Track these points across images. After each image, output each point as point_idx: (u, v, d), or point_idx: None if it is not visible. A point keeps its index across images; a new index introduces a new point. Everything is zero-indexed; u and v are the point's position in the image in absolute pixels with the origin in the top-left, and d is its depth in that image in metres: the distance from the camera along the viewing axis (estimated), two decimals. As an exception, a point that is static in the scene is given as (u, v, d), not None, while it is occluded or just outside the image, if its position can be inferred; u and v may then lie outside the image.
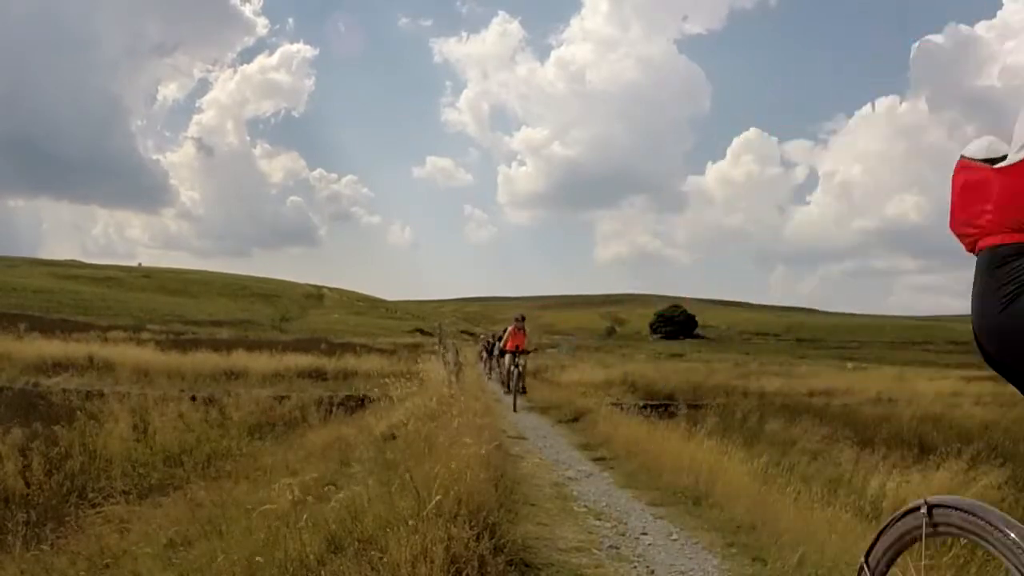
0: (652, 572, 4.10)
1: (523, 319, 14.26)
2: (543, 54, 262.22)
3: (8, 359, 18.59)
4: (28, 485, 8.12)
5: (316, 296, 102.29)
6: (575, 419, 11.06)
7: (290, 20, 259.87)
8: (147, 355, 21.01)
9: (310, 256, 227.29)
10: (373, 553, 3.34)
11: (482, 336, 27.68)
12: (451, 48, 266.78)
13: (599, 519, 5.20)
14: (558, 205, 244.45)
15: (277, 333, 49.02)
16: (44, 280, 76.53)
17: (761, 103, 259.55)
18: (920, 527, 1.51)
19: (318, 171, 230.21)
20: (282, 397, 15.18)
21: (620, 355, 47.31)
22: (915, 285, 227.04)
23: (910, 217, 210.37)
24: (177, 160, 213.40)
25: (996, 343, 1.36)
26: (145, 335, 31.14)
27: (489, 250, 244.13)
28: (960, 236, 1.49)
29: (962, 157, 1.51)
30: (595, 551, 4.38)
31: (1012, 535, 1.31)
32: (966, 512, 1.42)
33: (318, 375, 20.74)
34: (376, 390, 14.46)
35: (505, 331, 14.55)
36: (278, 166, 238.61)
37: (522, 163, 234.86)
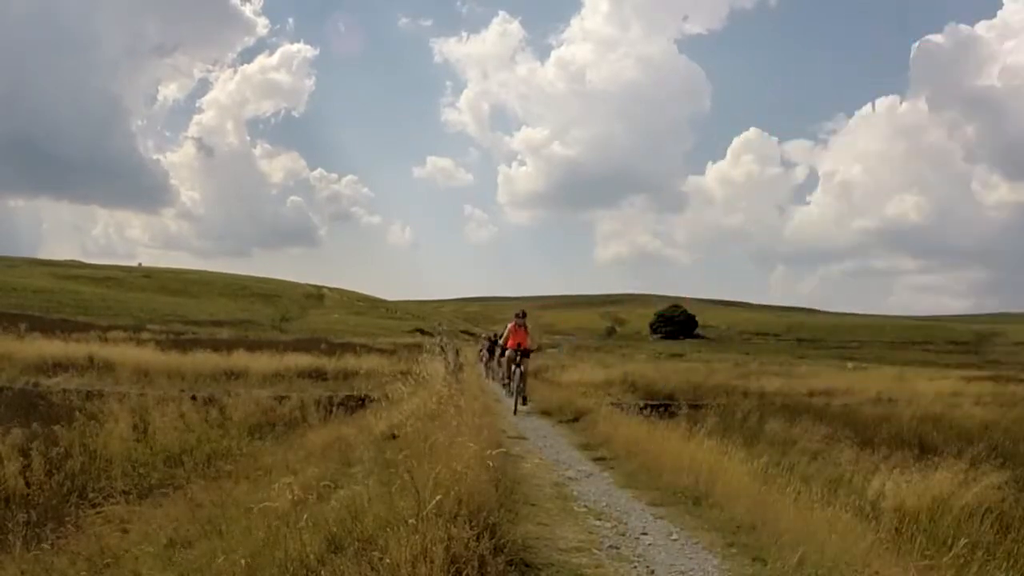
0: (652, 572, 4.10)
1: (524, 315, 13.17)
2: (543, 54, 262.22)
3: (8, 359, 18.60)
4: (28, 485, 8.12)
5: (316, 296, 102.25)
6: (575, 419, 11.05)
7: (290, 20, 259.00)
8: (147, 355, 21.00)
9: (310, 256, 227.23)
10: (373, 553, 3.34)
11: (483, 335, 27.40)
12: (451, 48, 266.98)
13: (599, 519, 5.20)
14: (558, 205, 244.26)
15: (277, 333, 49.02)
16: (44, 280, 76.50)
17: (761, 103, 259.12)
18: None
19: (318, 171, 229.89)
20: (282, 397, 15.18)
21: (620, 355, 47.33)
22: (915, 285, 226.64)
23: (910, 217, 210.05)
24: (177, 160, 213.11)
25: None
26: (145, 335, 31.13)
27: (489, 250, 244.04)
28: None
29: None
30: (595, 551, 4.38)
31: None
32: None
33: (318, 375, 20.74)
34: (376, 390, 14.48)
35: (506, 329, 13.37)
36: (278, 166, 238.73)
37: (522, 163, 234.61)
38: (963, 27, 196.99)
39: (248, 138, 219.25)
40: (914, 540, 4.91)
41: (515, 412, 11.82)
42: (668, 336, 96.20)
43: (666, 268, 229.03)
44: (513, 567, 3.70)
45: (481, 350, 25.41)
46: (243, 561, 3.54)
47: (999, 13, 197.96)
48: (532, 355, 13.51)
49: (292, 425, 12.56)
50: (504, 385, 14.66)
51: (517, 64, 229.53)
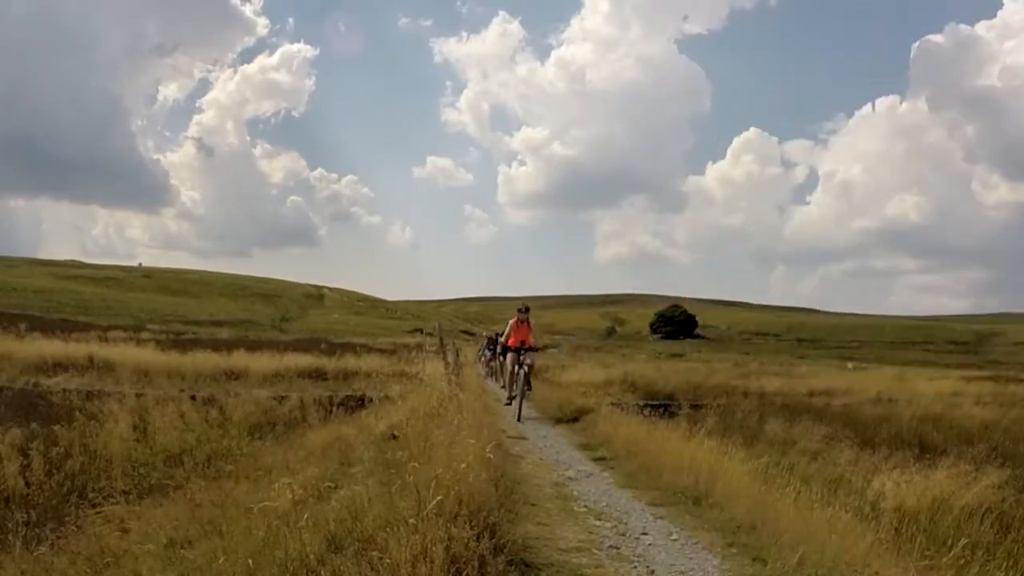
0: (652, 572, 4.10)
1: (527, 310, 11.95)
2: (543, 54, 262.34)
3: (8, 359, 18.59)
4: (28, 485, 8.12)
5: (316, 296, 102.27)
6: (575, 419, 11.04)
7: (290, 20, 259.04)
8: (147, 355, 20.99)
9: (310, 256, 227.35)
10: (373, 553, 3.34)
11: (485, 334, 27.06)
12: (451, 48, 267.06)
13: (599, 519, 5.20)
14: (558, 205, 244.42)
15: (277, 333, 49.04)
16: (44, 280, 76.51)
17: (761, 103, 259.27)
18: None
19: (318, 171, 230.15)
20: (282, 397, 15.17)
21: (620, 355, 47.34)
22: (915, 285, 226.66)
23: (910, 217, 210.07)
24: (177, 160, 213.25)
25: None
26: (145, 335, 31.13)
27: (489, 250, 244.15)
28: None
29: None
30: (595, 551, 4.38)
31: None
32: None
33: (318, 375, 20.73)
34: (376, 390, 14.46)
35: (507, 326, 12.10)
36: (278, 166, 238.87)
37: (522, 163, 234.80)
38: (963, 27, 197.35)
39: (248, 138, 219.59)
40: (914, 540, 4.91)
41: (519, 419, 10.77)
42: (668, 336, 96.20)
43: (666, 268, 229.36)
44: (513, 567, 3.70)
45: (481, 349, 25.26)
46: (243, 561, 3.54)
47: (999, 13, 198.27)
48: (538, 353, 12.11)
49: (292, 425, 12.55)
50: (504, 387, 13.62)
51: (517, 64, 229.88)
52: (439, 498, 3.62)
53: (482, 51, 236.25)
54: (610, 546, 4.50)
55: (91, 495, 6.84)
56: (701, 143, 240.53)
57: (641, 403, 15.63)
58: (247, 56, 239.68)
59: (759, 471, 6.27)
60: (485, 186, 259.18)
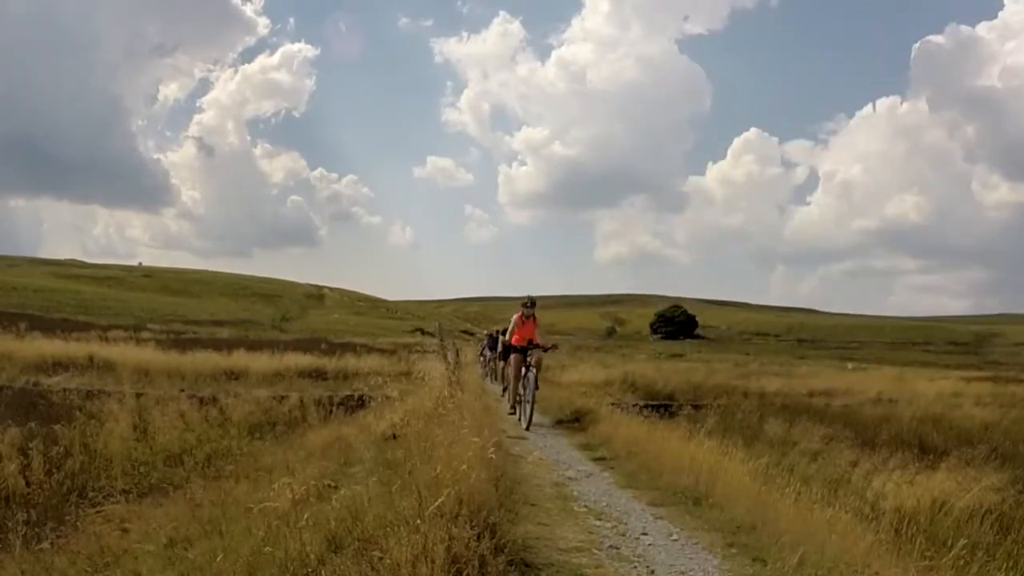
0: (652, 572, 4.10)
1: (534, 304, 10.50)
2: (543, 54, 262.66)
3: (8, 358, 18.61)
4: (28, 484, 8.12)
5: (316, 296, 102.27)
6: (575, 419, 11.03)
7: (291, 20, 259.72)
8: (147, 355, 21.01)
9: (310, 256, 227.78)
10: (373, 553, 3.34)
11: (486, 333, 26.71)
12: (452, 48, 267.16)
13: (599, 519, 5.20)
14: (558, 205, 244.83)
15: (277, 333, 48.99)
16: (44, 280, 76.52)
17: (761, 103, 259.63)
18: None
19: (318, 171, 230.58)
20: (282, 397, 15.17)
21: (620, 355, 47.34)
22: (915, 285, 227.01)
23: (910, 217, 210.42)
24: (178, 160, 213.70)
25: None
26: (145, 335, 31.15)
27: (489, 250, 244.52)
28: None
29: None
30: (595, 551, 4.38)
31: None
32: None
33: (318, 375, 20.74)
34: (376, 390, 14.46)
35: (511, 323, 10.65)
36: (278, 166, 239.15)
37: (522, 163, 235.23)
38: (964, 28, 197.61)
39: (248, 138, 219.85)
40: (914, 541, 4.91)
41: (527, 427, 9.72)
42: (668, 336, 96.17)
43: (666, 268, 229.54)
44: (513, 567, 3.70)
45: (481, 349, 25.08)
46: (243, 561, 3.54)
47: (1000, 14, 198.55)
48: (547, 353, 10.81)
49: (292, 425, 12.55)
50: (504, 389, 12.42)
51: (517, 64, 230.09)
52: (440, 499, 3.62)
53: (482, 51, 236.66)
54: (610, 546, 4.50)
55: (91, 494, 6.84)
56: (701, 143, 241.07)
57: (641, 403, 15.65)
58: (247, 56, 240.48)
59: (759, 471, 6.27)
60: (485, 186, 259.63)
